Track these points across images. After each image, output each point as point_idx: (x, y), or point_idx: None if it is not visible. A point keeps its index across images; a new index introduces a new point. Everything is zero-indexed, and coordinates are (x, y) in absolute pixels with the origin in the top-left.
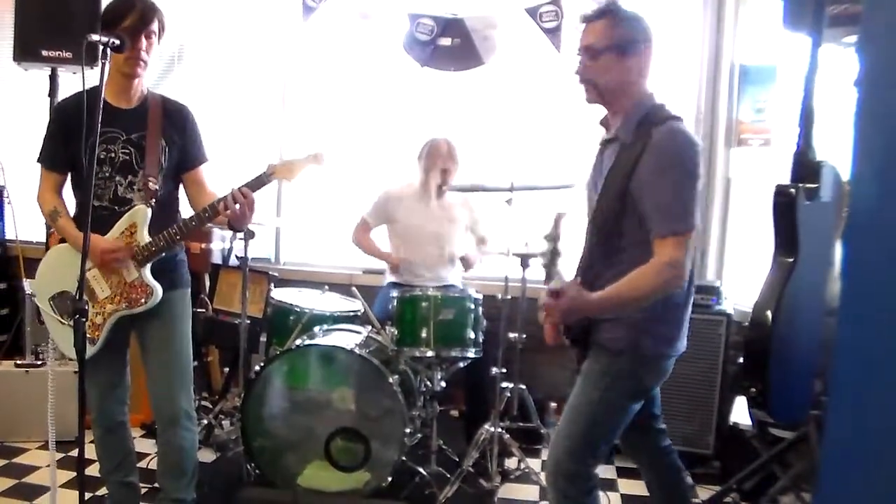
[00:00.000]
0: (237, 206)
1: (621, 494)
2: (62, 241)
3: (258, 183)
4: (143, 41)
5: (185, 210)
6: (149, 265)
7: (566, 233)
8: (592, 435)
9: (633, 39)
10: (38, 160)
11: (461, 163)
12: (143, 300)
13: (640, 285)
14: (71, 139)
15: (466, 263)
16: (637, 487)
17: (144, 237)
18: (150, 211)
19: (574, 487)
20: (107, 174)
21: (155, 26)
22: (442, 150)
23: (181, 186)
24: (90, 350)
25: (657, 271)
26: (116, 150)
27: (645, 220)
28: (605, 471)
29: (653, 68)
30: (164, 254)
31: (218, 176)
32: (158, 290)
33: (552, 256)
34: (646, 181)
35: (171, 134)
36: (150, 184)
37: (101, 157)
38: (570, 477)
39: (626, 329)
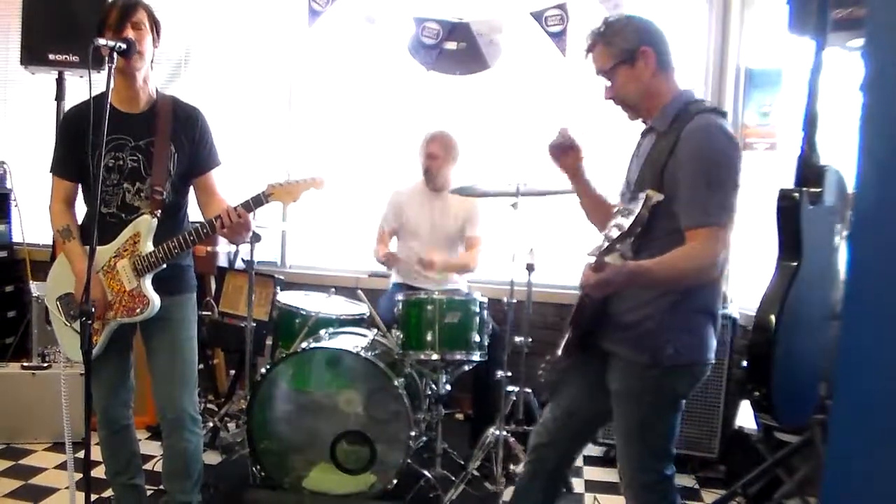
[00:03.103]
0: (232, 224)
1: None
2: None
3: (255, 203)
4: (131, 32)
5: (194, 214)
6: (149, 275)
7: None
8: (655, 447)
9: (631, 47)
10: (51, 169)
11: (459, 157)
12: (138, 310)
13: (673, 266)
14: (79, 147)
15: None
16: None
17: (147, 247)
18: (154, 221)
19: (657, 494)
20: (115, 181)
21: (140, 17)
22: (428, 136)
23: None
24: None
25: (689, 256)
26: (125, 157)
27: (678, 211)
28: (609, 474)
29: (670, 61)
30: (164, 265)
31: (224, 180)
32: (156, 301)
33: (622, 236)
34: (678, 173)
35: (180, 139)
36: (157, 192)
37: (110, 164)
38: (648, 487)
39: (645, 338)
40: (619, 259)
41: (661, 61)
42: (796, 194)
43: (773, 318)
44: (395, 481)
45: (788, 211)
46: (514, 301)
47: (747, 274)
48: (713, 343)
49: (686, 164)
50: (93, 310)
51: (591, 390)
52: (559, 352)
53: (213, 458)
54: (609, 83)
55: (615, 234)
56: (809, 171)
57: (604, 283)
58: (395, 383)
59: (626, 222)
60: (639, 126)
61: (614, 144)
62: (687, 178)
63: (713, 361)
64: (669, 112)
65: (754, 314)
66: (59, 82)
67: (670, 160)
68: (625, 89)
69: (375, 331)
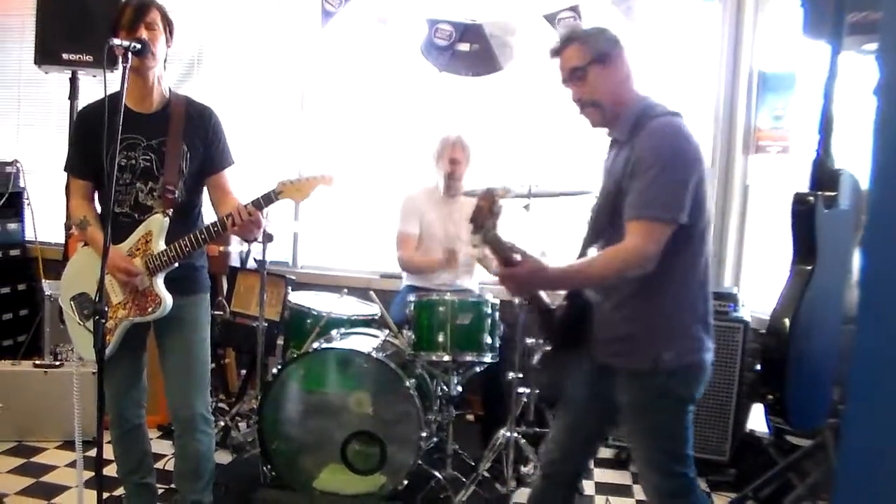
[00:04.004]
0: (243, 222)
1: (636, 501)
2: (87, 242)
3: (266, 200)
4: (145, 32)
5: (208, 213)
6: (161, 274)
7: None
8: (673, 451)
9: (606, 49)
10: (65, 168)
11: (474, 160)
12: (150, 308)
13: (598, 265)
14: (93, 146)
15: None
16: None
17: (159, 246)
18: (166, 220)
19: (682, 498)
20: (127, 181)
21: (154, 17)
22: (450, 142)
23: (206, 189)
24: None
25: (616, 254)
26: (137, 156)
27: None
28: (620, 476)
29: (635, 70)
30: (176, 264)
31: (236, 180)
32: (168, 300)
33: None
34: (633, 174)
35: (193, 138)
36: (170, 191)
37: (122, 163)
38: (674, 492)
39: (643, 346)
40: (481, 252)
41: (629, 69)
42: (811, 198)
43: (787, 322)
44: (405, 482)
45: (803, 215)
46: (526, 303)
47: (760, 277)
48: (709, 343)
49: (639, 161)
50: (106, 309)
51: (589, 404)
52: (540, 367)
53: (223, 457)
54: (578, 84)
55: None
56: (824, 175)
57: (524, 282)
58: (407, 384)
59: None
60: None
61: None
62: (637, 174)
63: (712, 361)
64: (629, 119)
65: (768, 318)
66: (73, 82)
67: (628, 167)
68: (597, 90)
69: (387, 331)
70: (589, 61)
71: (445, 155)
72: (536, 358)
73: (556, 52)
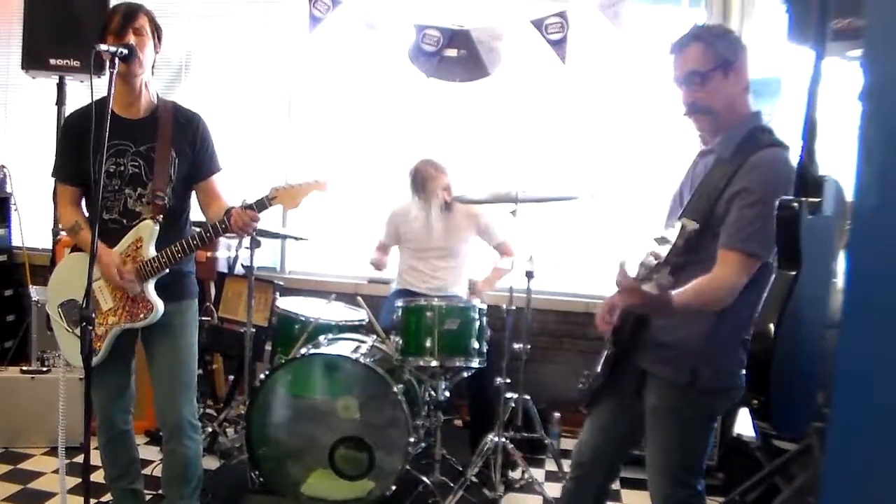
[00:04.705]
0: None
1: None
2: (74, 249)
3: (259, 206)
4: (133, 37)
5: (196, 217)
6: (152, 280)
7: (685, 245)
8: (689, 462)
9: (732, 56)
10: (53, 174)
11: (451, 171)
12: (142, 315)
13: (697, 295)
14: (81, 153)
15: (475, 291)
16: (641, 499)
17: (150, 252)
18: (157, 227)
19: None
20: (116, 187)
21: (142, 23)
22: (431, 173)
23: (194, 195)
24: (93, 360)
25: (709, 285)
26: (125, 162)
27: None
28: None
29: (751, 80)
30: (167, 270)
31: (224, 186)
32: (160, 306)
33: (659, 266)
34: (732, 200)
35: (181, 145)
36: (158, 197)
37: (111, 170)
38: (682, 502)
39: (683, 359)
40: (655, 288)
41: (748, 79)
42: (795, 204)
43: (771, 326)
44: (393, 487)
45: (787, 221)
46: (513, 308)
47: None
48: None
49: (745, 189)
50: (94, 315)
51: (624, 406)
52: (598, 367)
53: (211, 463)
54: (697, 88)
55: (652, 262)
56: (808, 181)
57: (649, 302)
58: (394, 389)
59: (663, 251)
60: (649, 132)
61: (615, 149)
62: (740, 202)
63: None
64: (735, 136)
65: (753, 323)
66: (60, 87)
67: (728, 188)
68: (715, 98)
69: (375, 337)
70: (712, 67)
71: (437, 183)
72: (601, 360)
73: (676, 49)
